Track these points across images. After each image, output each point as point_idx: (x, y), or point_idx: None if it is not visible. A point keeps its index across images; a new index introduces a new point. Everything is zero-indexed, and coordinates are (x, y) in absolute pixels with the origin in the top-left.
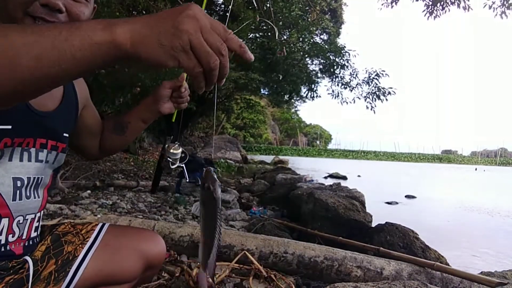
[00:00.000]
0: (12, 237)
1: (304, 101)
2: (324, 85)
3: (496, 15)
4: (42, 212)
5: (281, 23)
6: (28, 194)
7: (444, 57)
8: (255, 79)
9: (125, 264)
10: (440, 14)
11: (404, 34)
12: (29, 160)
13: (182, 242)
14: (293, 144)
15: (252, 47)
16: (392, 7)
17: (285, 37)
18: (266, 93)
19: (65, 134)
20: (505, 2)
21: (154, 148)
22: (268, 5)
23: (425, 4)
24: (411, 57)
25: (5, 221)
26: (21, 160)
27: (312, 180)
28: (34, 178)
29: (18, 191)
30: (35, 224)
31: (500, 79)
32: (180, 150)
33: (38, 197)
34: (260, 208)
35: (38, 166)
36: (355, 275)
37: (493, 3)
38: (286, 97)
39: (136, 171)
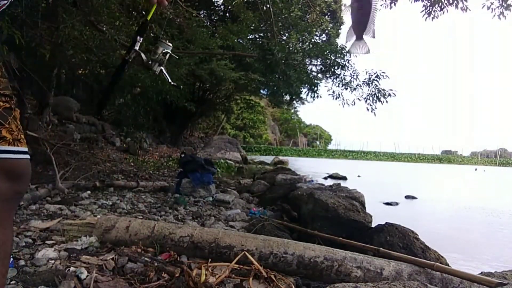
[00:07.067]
0: None
1: (303, 103)
2: (324, 85)
3: (494, 15)
4: None
5: (280, 24)
6: None
7: (443, 57)
8: (255, 80)
9: None
10: (438, 15)
11: (404, 34)
12: None
13: (182, 243)
14: (293, 144)
15: (252, 48)
16: (390, 8)
17: (284, 38)
18: (266, 93)
19: None
20: (503, 3)
21: (154, 149)
22: (268, 5)
23: (424, 5)
24: (410, 56)
25: None
26: None
27: (312, 181)
28: None
29: None
30: None
31: (499, 79)
32: (160, 49)
33: None
34: (260, 209)
35: None
36: (355, 275)
37: (492, 3)
38: (286, 97)
39: (136, 172)
